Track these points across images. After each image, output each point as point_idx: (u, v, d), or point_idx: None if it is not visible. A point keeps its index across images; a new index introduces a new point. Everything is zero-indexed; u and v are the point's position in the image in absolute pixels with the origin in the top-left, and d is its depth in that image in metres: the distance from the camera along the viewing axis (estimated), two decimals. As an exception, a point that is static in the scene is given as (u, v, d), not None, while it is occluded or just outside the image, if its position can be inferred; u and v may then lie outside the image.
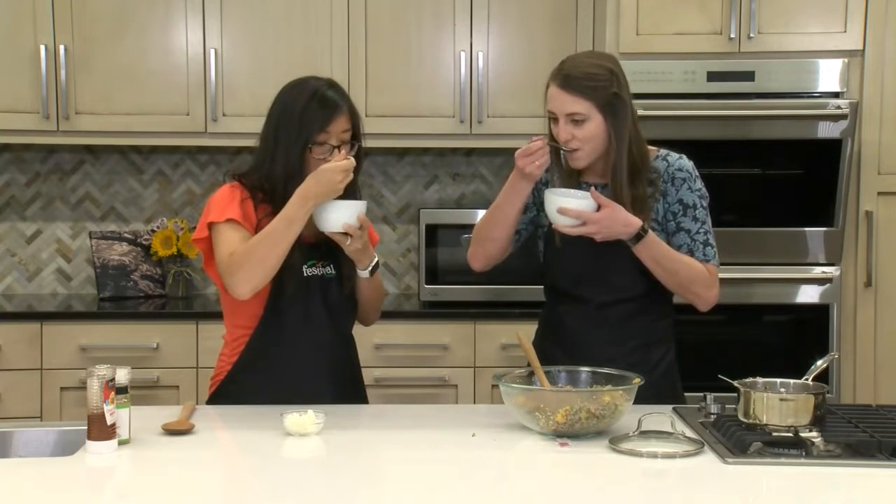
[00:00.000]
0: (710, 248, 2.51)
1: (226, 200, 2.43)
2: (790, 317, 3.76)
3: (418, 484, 1.92)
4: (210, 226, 2.42)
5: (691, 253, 2.49)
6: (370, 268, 2.48)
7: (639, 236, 2.39)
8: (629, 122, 2.46)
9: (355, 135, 2.46)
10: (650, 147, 2.55)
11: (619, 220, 2.38)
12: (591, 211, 2.38)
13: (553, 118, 2.47)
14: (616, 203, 2.40)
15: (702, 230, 2.50)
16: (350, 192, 2.41)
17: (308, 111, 2.39)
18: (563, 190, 2.46)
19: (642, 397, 2.21)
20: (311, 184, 2.31)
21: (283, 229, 2.31)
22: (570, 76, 2.43)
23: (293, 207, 2.32)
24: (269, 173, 2.41)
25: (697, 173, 2.54)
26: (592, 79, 2.43)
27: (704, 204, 2.52)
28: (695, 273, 2.47)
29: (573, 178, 2.53)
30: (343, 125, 2.42)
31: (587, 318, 2.52)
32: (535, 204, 2.59)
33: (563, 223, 2.40)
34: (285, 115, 2.41)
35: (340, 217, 2.36)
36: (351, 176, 2.34)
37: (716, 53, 3.65)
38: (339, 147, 2.41)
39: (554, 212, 2.41)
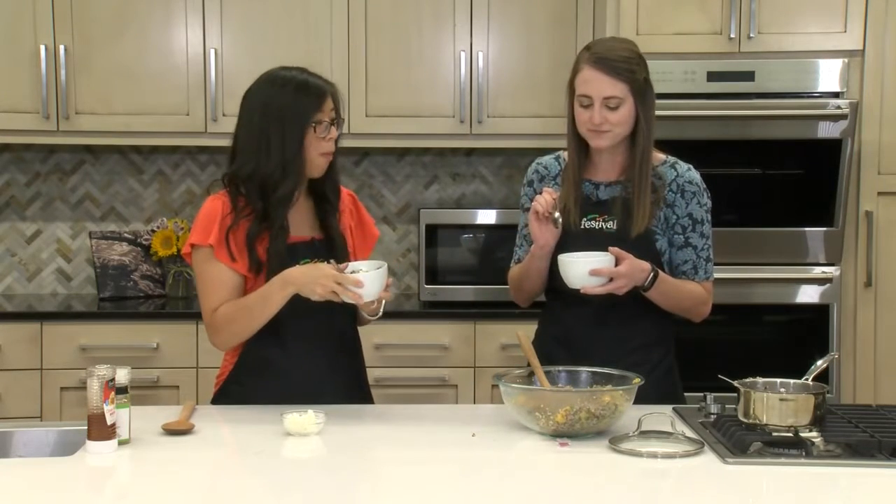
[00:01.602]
0: (710, 263, 2.56)
1: (210, 219, 2.42)
2: (790, 317, 3.75)
3: (418, 484, 1.92)
4: (192, 246, 2.44)
5: (695, 268, 2.52)
6: (378, 315, 2.49)
7: (653, 279, 2.40)
8: (654, 109, 2.48)
9: (337, 113, 2.49)
10: (657, 153, 2.55)
11: (638, 267, 2.39)
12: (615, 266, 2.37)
13: (584, 103, 2.45)
14: (630, 247, 2.41)
15: (706, 246, 2.54)
16: (329, 173, 2.46)
17: (299, 102, 2.40)
18: (577, 254, 2.40)
19: (642, 398, 2.22)
20: (298, 272, 2.32)
21: (260, 307, 2.35)
22: (607, 59, 2.42)
23: (273, 288, 2.33)
24: (259, 168, 2.40)
25: (705, 185, 2.55)
26: (628, 62, 2.43)
27: (709, 218, 2.56)
28: (695, 297, 2.53)
29: (578, 178, 2.53)
30: (331, 104, 2.45)
31: (587, 318, 2.52)
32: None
33: (593, 284, 2.37)
34: (272, 109, 2.40)
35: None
36: (334, 291, 2.26)
37: (716, 53, 3.64)
38: (333, 123, 2.44)
39: (584, 275, 2.37)
